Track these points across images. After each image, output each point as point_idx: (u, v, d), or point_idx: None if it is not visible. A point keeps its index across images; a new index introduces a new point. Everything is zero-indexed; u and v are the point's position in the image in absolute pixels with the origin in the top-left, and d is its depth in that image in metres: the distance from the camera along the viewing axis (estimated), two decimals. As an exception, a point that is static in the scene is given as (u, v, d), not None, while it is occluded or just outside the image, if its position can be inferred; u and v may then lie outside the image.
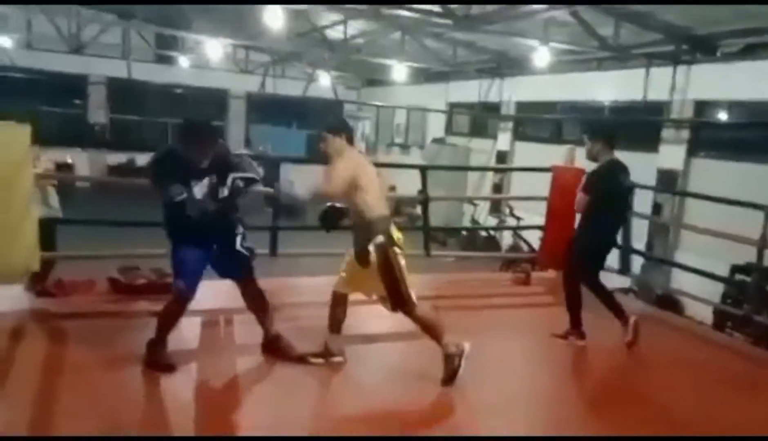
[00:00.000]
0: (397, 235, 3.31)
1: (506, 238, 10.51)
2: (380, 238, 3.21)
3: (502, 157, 11.56)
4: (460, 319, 4.60)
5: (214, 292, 4.59)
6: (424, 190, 5.71)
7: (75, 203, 6.57)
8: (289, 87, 15.49)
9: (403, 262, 3.28)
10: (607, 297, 4.17)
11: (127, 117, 15.94)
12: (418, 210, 13.45)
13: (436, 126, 13.99)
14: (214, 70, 14.66)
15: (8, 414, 2.81)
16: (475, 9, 6.54)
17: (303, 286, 5.03)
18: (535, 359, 4.10)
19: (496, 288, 5.71)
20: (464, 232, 11.59)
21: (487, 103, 11.95)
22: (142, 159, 14.92)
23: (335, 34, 10.90)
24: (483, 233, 10.83)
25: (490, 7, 6.43)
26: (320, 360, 3.46)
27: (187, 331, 3.92)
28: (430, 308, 3.57)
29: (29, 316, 4.02)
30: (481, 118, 12.57)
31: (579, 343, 4.13)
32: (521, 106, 11.34)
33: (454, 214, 11.65)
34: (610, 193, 4.12)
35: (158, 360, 3.31)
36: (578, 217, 4.32)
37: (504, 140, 11.65)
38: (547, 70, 9.20)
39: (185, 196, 3.15)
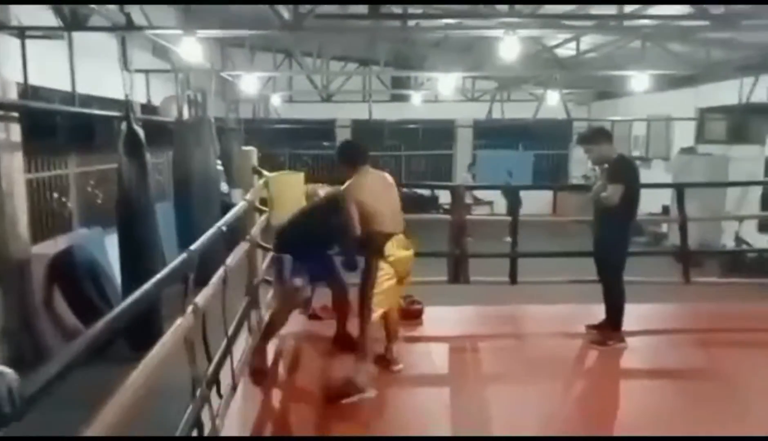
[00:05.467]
0: (395, 251, 3.40)
1: (783, 260, 8.85)
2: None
3: (773, 164, 9.83)
4: (740, 359, 4.02)
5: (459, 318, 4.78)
6: (681, 210, 5.14)
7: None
8: (517, 109, 15.44)
9: (386, 276, 3.35)
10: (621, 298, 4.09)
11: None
12: (663, 228, 12.29)
13: (683, 135, 12.54)
14: (443, 102, 15.35)
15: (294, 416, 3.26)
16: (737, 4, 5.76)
17: (541, 314, 4.91)
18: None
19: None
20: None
21: (750, 104, 10.32)
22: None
23: (566, 51, 10.56)
24: (751, 253, 9.28)
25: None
26: None
27: (437, 357, 4.14)
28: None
29: (303, 336, 4.62)
30: (744, 122, 10.89)
31: None
32: (797, 103, 9.55)
33: (710, 231, 10.24)
34: (637, 181, 4.12)
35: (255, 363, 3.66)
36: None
37: (775, 144, 9.91)
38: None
39: None
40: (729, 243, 10.02)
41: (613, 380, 3.93)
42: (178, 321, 2.28)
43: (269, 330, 3.84)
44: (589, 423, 3.24)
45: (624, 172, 4.09)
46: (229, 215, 3.48)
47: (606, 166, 4.19)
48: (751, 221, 9.43)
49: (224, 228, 3.00)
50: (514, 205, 6.75)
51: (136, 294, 1.92)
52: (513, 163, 15.79)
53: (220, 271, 3.01)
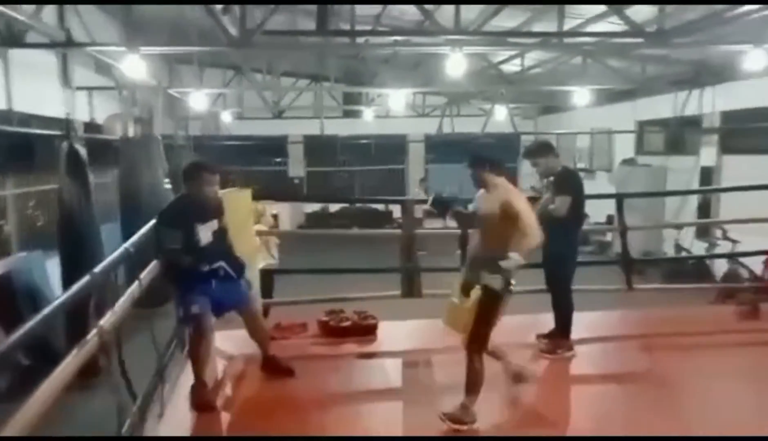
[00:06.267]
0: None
1: (718, 265, 9.30)
2: (498, 281, 3.11)
3: (707, 173, 10.35)
4: (683, 362, 4.18)
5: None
6: (621, 220, 5.34)
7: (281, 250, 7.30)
8: (467, 124, 15.75)
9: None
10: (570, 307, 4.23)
11: (320, 169, 17.59)
12: (608, 237, 12.73)
13: (624, 147, 13.08)
14: (395, 118, 15.52)
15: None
16: (669, 22, 6.07)
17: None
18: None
19: (717, 324, 5.04)
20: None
21: (684, 117, 10.86)
22: (334, 207, 16.46)
23: (511, 67, 10.88)
24: (690, 260, 9.72)
25: (686, 17, 5.92)
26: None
27: (391, 372, 4.14)
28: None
29: (253, 358, 4.51)
30: (679, 134, 11.44)
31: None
32: (728, 115, 10.10)
33: (652, 240, 10.66)
34: (582, 192, 4.28)
35: (197, 399, 3.49)
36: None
37: (708, 155, 10.44)
38: (763, 73, 8.06)
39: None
40: (670, 251, 10.46)
41: (564, 387, 4.02)
42: (77, 348, 2.21)
43: (195, 361, 3.55)
44: (542, 431, 3.30)
45: (570, 184, 4.21)
46: (141, 233, 3.45)
47: (551, 178, 4.31)
48: (690, 229, 9.89)
49: (131, 249, 2.94)
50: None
51: (32, 321, 1.84)
52: (464, 176, 16.00)
53: (130, 290, 2.96)
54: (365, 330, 4.71)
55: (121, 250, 2.83)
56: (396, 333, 4.79)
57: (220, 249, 3.65)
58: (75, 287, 2.22)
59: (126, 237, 7.80)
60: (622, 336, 4.87)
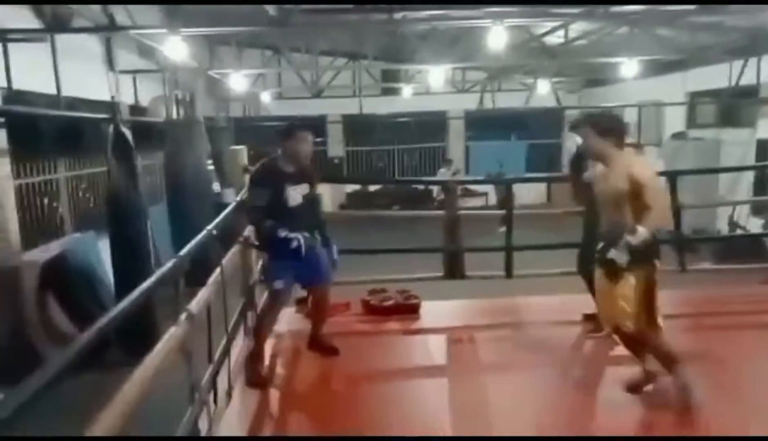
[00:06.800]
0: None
1: (776, 242, 8.89)
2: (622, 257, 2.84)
3: (764, 147, 9.85)
4: (737, 340, 4.04)
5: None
6: (674, 197, 5.13)
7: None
8: (508, 99, 15.42)
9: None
10: None
11: (360, 148, 17.57)
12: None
13: (674, 120, 12.57)
14: (435, 94, 15.31)
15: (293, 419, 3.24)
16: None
17: (537, 305, 4.90)
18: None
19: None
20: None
21: (739, 87, 10.33)
22: (374, 186, 16.43)
23: (554, 39, 10.55)
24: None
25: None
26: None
27: (434, 350, 4.13)
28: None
29: (299, 335, 4.58)
30: (734, 105, 10.91)
31: None
32: (787, 84, 9.57)
33: (704, 216, 10.26)
34: None
35: (254, 375, 3.50)
36: None
37: (766, 127, 9.93)
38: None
39: None
40: (723, 227, 10.06)
41: (612, 367, 3.92)
42: (172, 329, 2.25)
43: (258, 332, 3.66)
44: (591, 411, 3.23)
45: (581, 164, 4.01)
46: (221, 217, 3.44)
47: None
48: (745, 205, 9.47)
49: (215, 231, 2.96)
50: (505, 196, 6.63)
51: (124, 301, 1.90)
52: (506, 153, 15.77)
53: (216, 274, 2.98)
54: (408, 309, 4.69)
55: (204, 232, 2.86)
56: (439, 312, 4.76)
57: (308, 218, 3.59)
58: (162, 269, 2.29)
59: (172, 218, 8.13)
60: (673, 315, 4.70)
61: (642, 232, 2.77)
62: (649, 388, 3.15)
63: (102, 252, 6.90)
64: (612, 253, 2.88)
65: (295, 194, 3.50)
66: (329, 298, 3.94)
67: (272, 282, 3.57)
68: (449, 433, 3.04)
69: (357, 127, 16.93)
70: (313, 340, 3.92)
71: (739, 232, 9.56)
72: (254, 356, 3.58)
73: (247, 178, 4.42)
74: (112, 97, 6.05)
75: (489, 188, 14.33)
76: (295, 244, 3.37)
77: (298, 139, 3.54)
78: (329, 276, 3.80)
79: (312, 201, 3.66)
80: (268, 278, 3.63)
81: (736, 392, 3.28)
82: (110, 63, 7.40)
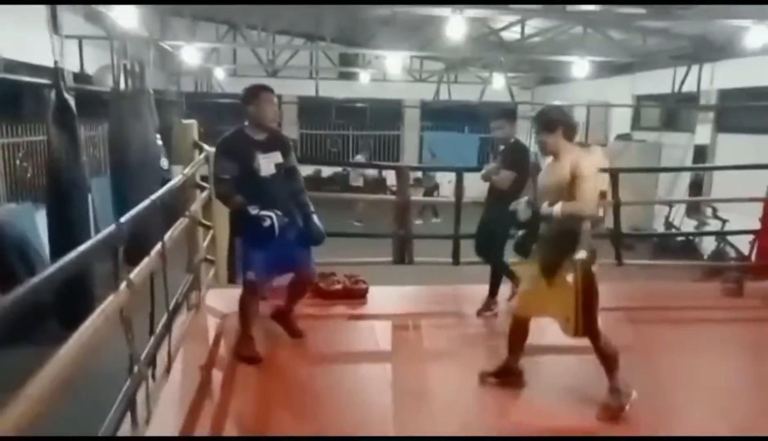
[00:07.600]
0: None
1: (706, 243, 9.40)
2: (584, 253, 2.88)
3: (701, 151, 10.36)
4: (667, 334, 4.26)
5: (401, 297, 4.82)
6: (615, 194, 5.34)
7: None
8: (464, 92, 15.57)
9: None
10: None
11: (314, 132, 17.39)
12: (599, 212, 12.73)
13: (620, 121, 13.03)
14: (392, 82, 15.30)
15: (235, 401, 3.22)
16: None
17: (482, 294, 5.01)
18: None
19: (702, 300, 5.13)
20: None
21: (681, 93, 10.80)
22: (327, 171, 16.32)
23: (511, 34, 10.72)
24: (679, 237, 9.81)
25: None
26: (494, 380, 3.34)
27: (380, 335, 4.17)
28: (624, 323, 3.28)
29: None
30: (675, 110, 11.40)
31: None
32: (725, 93, 10.06)
33: (643, 216, 10.73)
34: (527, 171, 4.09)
35: (243, 352, 3.46)
36: None
37: (703, 133, 10.43)
38: (762, 51, 8.00)
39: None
40: (659, 227, 10.53)
41: (555, 355, 4.05)
42: (110, 297, 2.19)
43: (243, 322, 3.51)
44: (528, 399, 3.34)
45: (517, 160, 4.13)
46: (166, 188, 3.30)
47: (502, 147, 4.28)
48: (681, 206, 9.93)
49: (158, 202, 2.85)
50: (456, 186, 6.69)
51: (57, 264, 1.79)
52: (459, 145, 15.93)
53: (158, 247, 2.90)
54: (356, 294, 4.72)
55: (147, 201, 2.68)
56: (386, 297, 4.81)
57: (283, 192, 3.35)
58: (100, 234, 2.16)
59: (116, 192, 7.83)
60: (608, 308, 4.90)
61: (557, 208, 2.88)
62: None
63: (40, 225, 6.60)
64: (515, 205, 3.13)
65: (267, 163, 3.27)
66: (309, 285, 3.83)
67: (245, 272, 3.32)
68: (390, 418, 3.09)
69: (312, 110, 16.75)
70: (282, 313, 3.82)
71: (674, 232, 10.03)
72: (244, 337, 3.50)
73: (196, 154, 4.32)
74: (56, 62, 5.73)
75: (440, 178, 14.46)
76: (267, 222, 3.12)
77: (262, 100, 3.32)
78: (309, 266, 3.60)
79: (287, 171, 3.41)
80: (240, 266, 3.36)
81: (663, 384, 3.45)
82: (54, 26, 7.01)
